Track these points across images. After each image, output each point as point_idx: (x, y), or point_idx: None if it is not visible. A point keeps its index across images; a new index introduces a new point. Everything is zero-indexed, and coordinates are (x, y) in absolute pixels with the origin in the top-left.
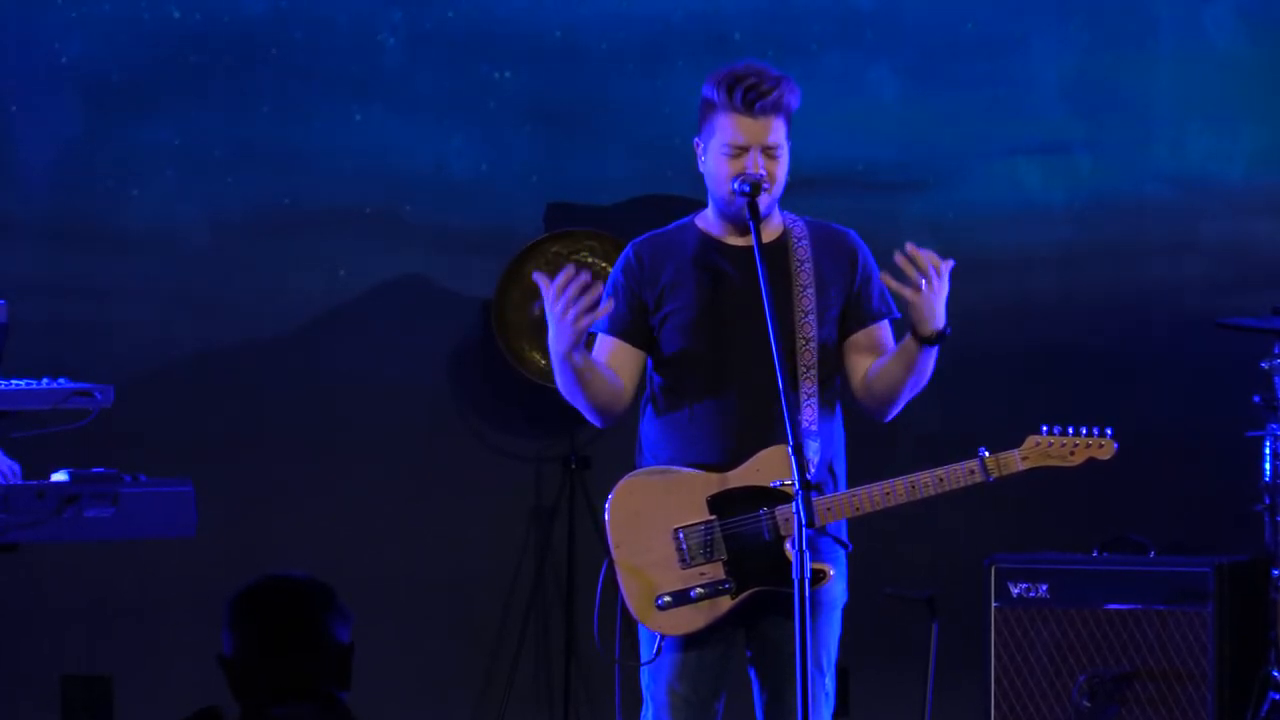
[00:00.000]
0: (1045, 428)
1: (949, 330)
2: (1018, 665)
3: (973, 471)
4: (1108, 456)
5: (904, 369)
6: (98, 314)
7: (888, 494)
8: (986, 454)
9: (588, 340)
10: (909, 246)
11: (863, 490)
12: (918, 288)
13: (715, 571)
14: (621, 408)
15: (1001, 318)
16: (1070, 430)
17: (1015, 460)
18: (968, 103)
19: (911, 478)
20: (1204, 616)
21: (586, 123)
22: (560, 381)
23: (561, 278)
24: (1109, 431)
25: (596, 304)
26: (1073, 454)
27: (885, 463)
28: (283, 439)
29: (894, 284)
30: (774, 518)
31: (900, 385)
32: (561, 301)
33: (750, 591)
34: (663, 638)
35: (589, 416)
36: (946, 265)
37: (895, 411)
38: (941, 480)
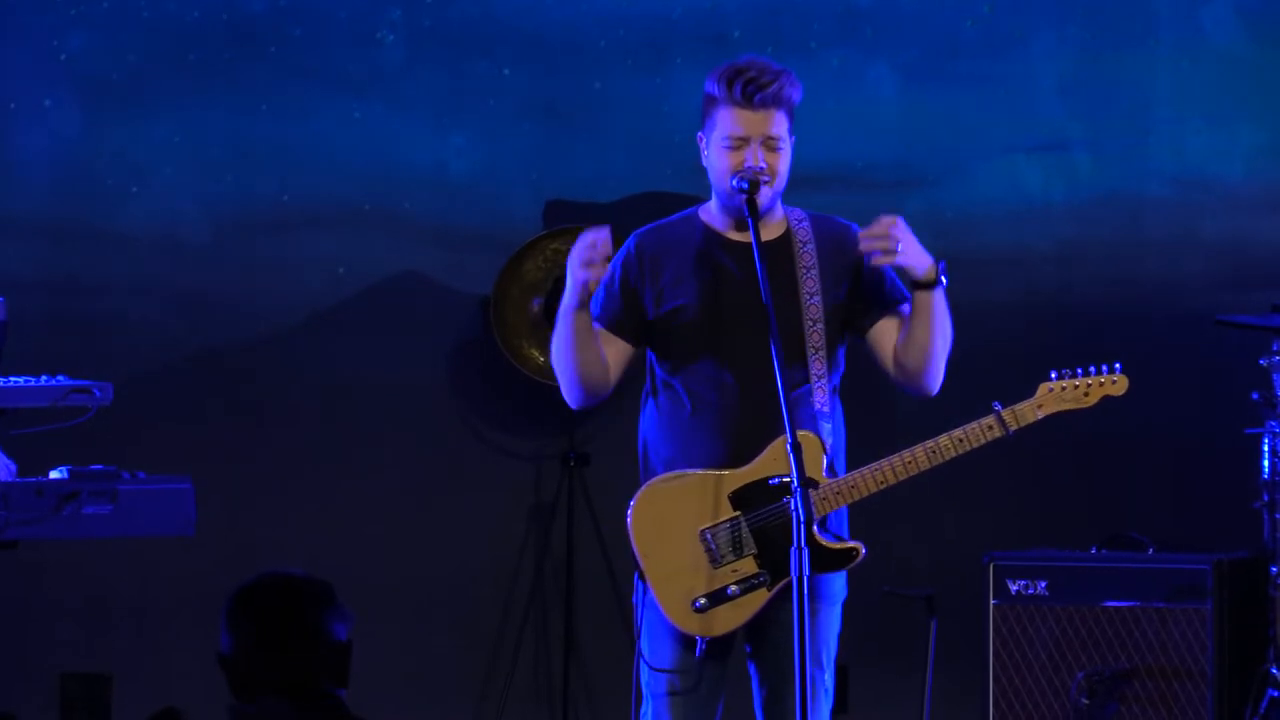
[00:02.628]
0: (1055, 373)
1: (942, 264)
2: (1016, 663)
3: (991, 427)
4: (1122, 391)
5: (924, 326)
6: (97, 311)
7: (909, 463)
8: (1002, 408)
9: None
10: (860, 234)
11: (884, 462)
12: (891, 251)
13: (748, 566)
14: (602, 392)
15: (1001, 316)
16: (1080, 371)
17: (1031, 409)
18: (968, 101)
19: (930, 443)
20: (1203, 614)
21: (586, 120)
22: (557, 341)
23: (592, 237)
24: (1118, 367)
25: (606, 255)
26: (1087, 394)
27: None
28: (282, 436)
29: (875, 259)
30: None
31: (927, 348)
32: (585, 251)
33: (787, 579)
34: (705, 640)
35: (569, 389)
36: (894, 221)
37: (934, 379)
38: (961, 441)
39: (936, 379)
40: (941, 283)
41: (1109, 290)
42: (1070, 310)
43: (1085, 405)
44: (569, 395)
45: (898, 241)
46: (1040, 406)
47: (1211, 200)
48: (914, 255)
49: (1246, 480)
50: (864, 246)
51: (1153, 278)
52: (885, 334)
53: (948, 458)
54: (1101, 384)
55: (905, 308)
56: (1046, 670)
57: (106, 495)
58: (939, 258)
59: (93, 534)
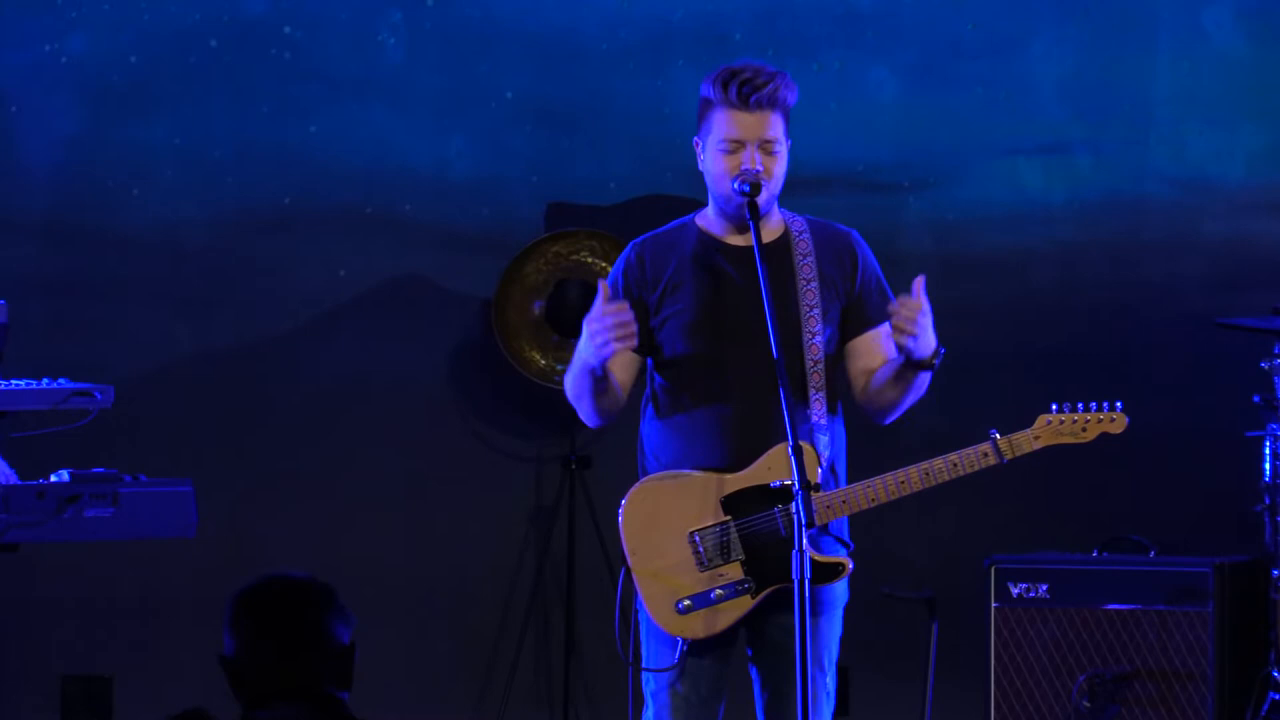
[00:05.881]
0: (1055, 405)
1: (943, 350)
2: (1017, 665)
3: (986, 454)
4: (1120, 430)
5: (901, 390)
6: (98, 314)
7: (902, 483)
8: (998, 436)
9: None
10: (895, 304)
11: (877, 480)
12: (909, 333)
13: (734, 572)
14: (617, 412)
15: (1001, 317)
16: (1080, 406)
17: (1028, 440)
18: (968, 103)
19: (925, 465)
20: (1204, 616)
21: (586, 123)
22: (574, 386)
23: (615, 318)
24: (1119, 406)
25: (631, 334)
26: (1085, 430)
27: (884, 462)
28: (282, 439)
29: (894, 322)
30: (788, 515)
31: (898, 402)
32: (605, 323)
33: (771, 589)
34: (685, 642)
35: (586, 418)
36: (919, 286)
37: (895, 418)
38: (955, 465)
39: (893, 419)
40: (934, 367)
41: (1109, 291)
42: (1070, 311)
43: (1083, 441)
44: (587, 422)
45: (918, 329)
46: (1037, 438)
47: (1212, 202)
48: (925, 341)
49: (1247, 483)
50: (897, 323)
51: (1153, 279)
52: (863, 349)
53: (941, 481)
54: (1100, 421)
55: (887, 327)
56: (1048, 673)
57: (107, 498)
58: (941, 343)
59: (94, 536)
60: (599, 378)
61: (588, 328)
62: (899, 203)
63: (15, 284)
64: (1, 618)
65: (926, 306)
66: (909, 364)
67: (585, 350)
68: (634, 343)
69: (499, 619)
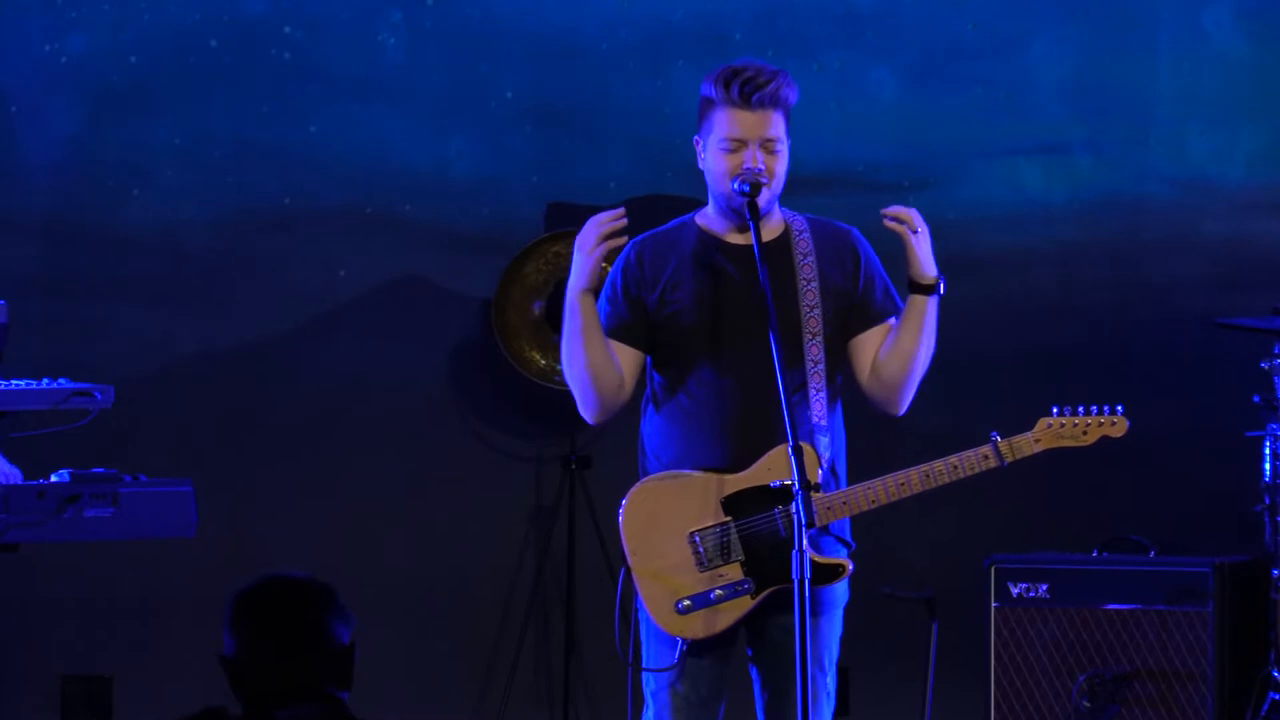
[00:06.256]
0: (1056, 409)
1: (944, 278)
2: (1017, 665)
3: (986, 457)
4: (1121, 434)
5: (912, 334)
6: (98, 314)
7: (902, 484)
8: (999, 438)
9: None
10: (886, 212)
11: (877, 482)
12: (914, 225)
13: (734, 573)
14: (618, 403)
15: (1001, 317)
16: (1081, 410)
17: (1029, 443)
18: (968, 103)
19: (925, 467)
20: (1204, 616)
21: (587, 123)
22: (566, 336)
23: (606, 216)
24: (1120, 409)
25: (623, 228)
26: (1085, 433)
27: (884, 463)
28: (282, 439)
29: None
30: (788, 515)
31: (911, 357)
32: (595, 234)
33: (770, 590)
34: (685, 642)
35: (584, 395)
36: (916, 213)
37: (907, 397)
38: (955, 468)
39: (908, 396)
40: (939, 291)
41: (1109, 291)
42: (1070, 311)
43: (1083, 444)
44: (585, 404)
45: (917, 226)
46: (1038, 441)
47: (1212, 202)
48: (928, 248)
49: (1247, 483)
50: (888, 224)
51: (1153, 279)
52: (868, 344)
53: (941, 483)
54: (1101, 424)
55: (894, 321)
56: (1048, 673)
57: (107, 498)
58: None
59: (94, 536)
60: (588, 315)
61: (576, 243)
62: (899, 203)
63: (15, 284)
64: (1, 618)
65: (926, 230)
66: (914, 289)
67: (574, 272)
68: (625, 239)
69: (499, 619)
